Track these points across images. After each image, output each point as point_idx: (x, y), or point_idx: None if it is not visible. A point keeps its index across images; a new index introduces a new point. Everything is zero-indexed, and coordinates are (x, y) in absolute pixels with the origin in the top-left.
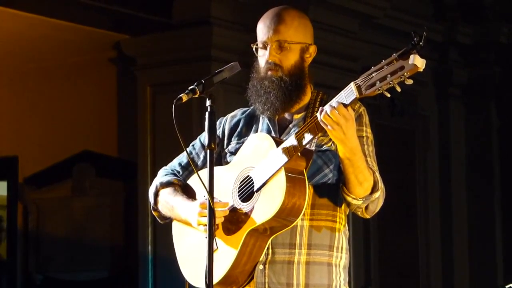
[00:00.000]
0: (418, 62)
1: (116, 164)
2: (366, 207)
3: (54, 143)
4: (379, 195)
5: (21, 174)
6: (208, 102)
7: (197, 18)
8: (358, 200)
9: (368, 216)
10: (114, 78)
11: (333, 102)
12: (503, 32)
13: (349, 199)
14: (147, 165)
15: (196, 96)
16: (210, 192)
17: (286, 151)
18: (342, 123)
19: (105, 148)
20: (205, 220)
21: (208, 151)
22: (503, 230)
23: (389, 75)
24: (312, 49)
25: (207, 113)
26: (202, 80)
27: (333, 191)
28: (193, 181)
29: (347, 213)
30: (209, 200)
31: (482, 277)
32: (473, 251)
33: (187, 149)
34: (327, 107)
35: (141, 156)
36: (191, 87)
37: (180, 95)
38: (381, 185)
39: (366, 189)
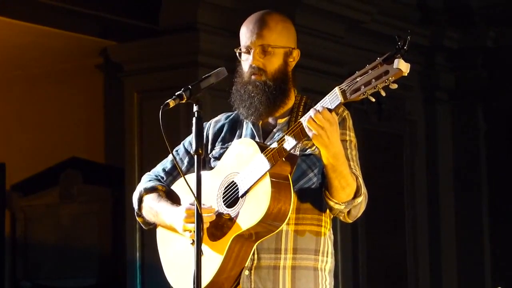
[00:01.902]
0: (402, 66)
1: (104, 171)
2: (348, 212)
3: (41, 150)
4: (362, 200)
5: (8, 181)
6: (195, 108)
7: (184, 24)
8: (340, 205)
9: (350, 221)
10: (101, 84)
11: (318, 106)
12: (489, 36)
13: (331, 203)
14: (134, 171)
15: (183, 101)
16: (198, 197)
17: (271, 156)
18: (327, 127)
19: (92, 155)
20: (191, 226)
21: (195, 156)
22: (491, 233)
23: (373, 80)
24: (296, 53)
25: (194, 119)
26: (189, 86)
27: (318, 195)
28: (177, 187)
29: (331, 217)
30: (196, 206)
31: (470, 281)
32: (461, 255)
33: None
34: (311, 112)
35: (129, 163)
36: (178, 92)
37: (167, 101)
38: (363, 190)
39: (348, 194)
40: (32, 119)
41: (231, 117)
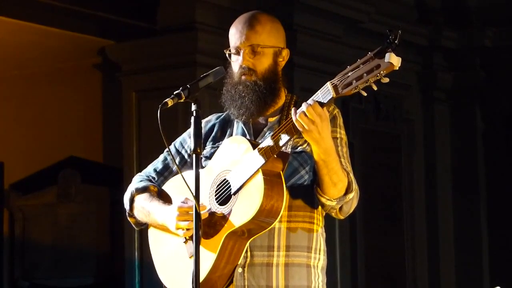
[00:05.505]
0: (393, 60)
1: (102, 170)
2: (340, 208)
3: (40, 149)
4: (353, 196)
5: (7, 180)
6: (193, 107)
7: (181, 24)
8: (332, 201)
9: (342, 217)
10: (99, 84)
11: (310, 101)
12: (487, 36)
13: (323, 200)
14: (132, 171)
15: (182, 101)
16: (196, 196)
17: (263, 153)
18: (318, 122)
19: (90, 154)
20: (183, 224)
21: (194, 155)
22: (490, 234)
23: (365, 74)
24: (285, 53)
25: (192, 118)
26: (187, 85)
27: (310, 192)
28: (168, 187)
29: (323, 214)
30: (195, 204)
31: (468, 281)
32: (460, 255)
33: (162, 154)
34: (303, 106)
35: (127, 162)
36: (176, 92)
37: (166, 100)
38: (355, 186)
39: (340, 190)
40: (30, 118)
41: (221, 117)
